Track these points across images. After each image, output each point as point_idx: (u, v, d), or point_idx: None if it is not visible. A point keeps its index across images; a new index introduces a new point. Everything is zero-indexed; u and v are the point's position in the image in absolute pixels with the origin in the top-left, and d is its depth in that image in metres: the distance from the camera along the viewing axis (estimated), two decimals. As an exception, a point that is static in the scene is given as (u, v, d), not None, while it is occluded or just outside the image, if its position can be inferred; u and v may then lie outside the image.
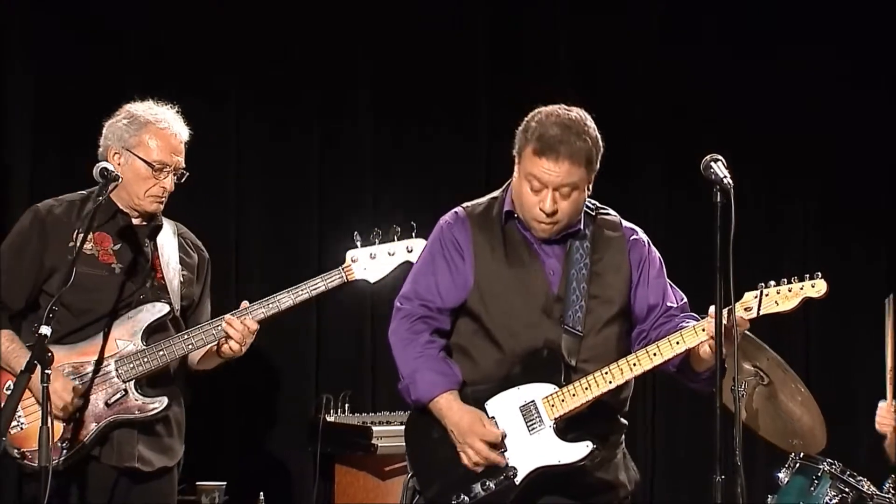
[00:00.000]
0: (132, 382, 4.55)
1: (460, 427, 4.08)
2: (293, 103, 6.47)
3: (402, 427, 5.56)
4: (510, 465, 4.09)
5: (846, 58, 6.78)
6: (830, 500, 4.99)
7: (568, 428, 4.08)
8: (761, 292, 4.06)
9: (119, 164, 4.58)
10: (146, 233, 4.67)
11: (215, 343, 4.63)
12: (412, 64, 6.58)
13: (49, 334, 4.12)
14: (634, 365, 4.07)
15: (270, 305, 4.61)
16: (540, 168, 4.04)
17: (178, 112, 4.75)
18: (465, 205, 4.30)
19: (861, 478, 5.01)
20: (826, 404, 4.90)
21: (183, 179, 4.68)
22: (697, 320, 4.12)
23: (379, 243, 4.66)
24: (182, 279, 4.76)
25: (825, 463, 5.04)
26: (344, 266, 4.63)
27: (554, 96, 4.17)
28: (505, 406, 4.13)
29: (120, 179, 4.46)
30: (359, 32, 6.53)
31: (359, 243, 4.64)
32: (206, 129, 5.93)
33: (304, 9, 6.41)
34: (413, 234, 4.65)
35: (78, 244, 4.41)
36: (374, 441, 5.91)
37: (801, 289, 4.05)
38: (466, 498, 4.11)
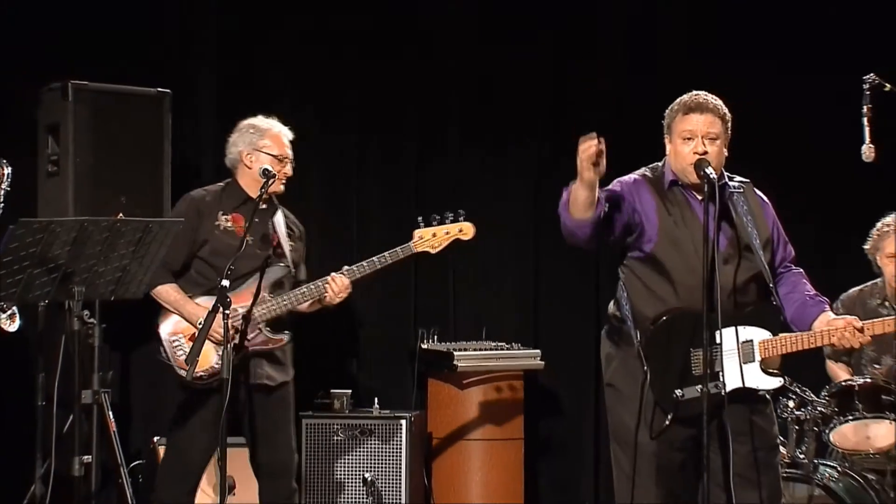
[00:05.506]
0: (264, 323, 5.12)
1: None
2: (403, 141, 7.06)
3: (476, 353, 6.51)
4: (723, 380, 4.30)
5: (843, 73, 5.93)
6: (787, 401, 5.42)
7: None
8: None
9: (252, 161, 5.19)
10: (268, 214, 5.23)
11: (319, 295, 5.15)
12: (492, 103, 7.09)
13: (228, 286, 4.70)
14: (832, 335, 4.32)
15: (360, 268, 5.16)
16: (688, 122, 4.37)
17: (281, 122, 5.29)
18: (636, 174, 4.47)
19: (806, 388, 5.52)
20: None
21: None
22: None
23: (437, 224, 5.18)
24: (291, 247, 5.25)
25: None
26: (412, 241, 5.16)
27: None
28: (731, 337, 4.34)
29: (276, 176, 5.10)
30: (452, 81, 7.09)
31: (423, 225, 5.19)
32: (336, 152, 6.90)
33: (407, 59, 7.04)
34: (462, 219, 5.17)
35: (247, 226, 5.00)
36: (455, 362, 6.46)
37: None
38: (683, 393, 4.31)
